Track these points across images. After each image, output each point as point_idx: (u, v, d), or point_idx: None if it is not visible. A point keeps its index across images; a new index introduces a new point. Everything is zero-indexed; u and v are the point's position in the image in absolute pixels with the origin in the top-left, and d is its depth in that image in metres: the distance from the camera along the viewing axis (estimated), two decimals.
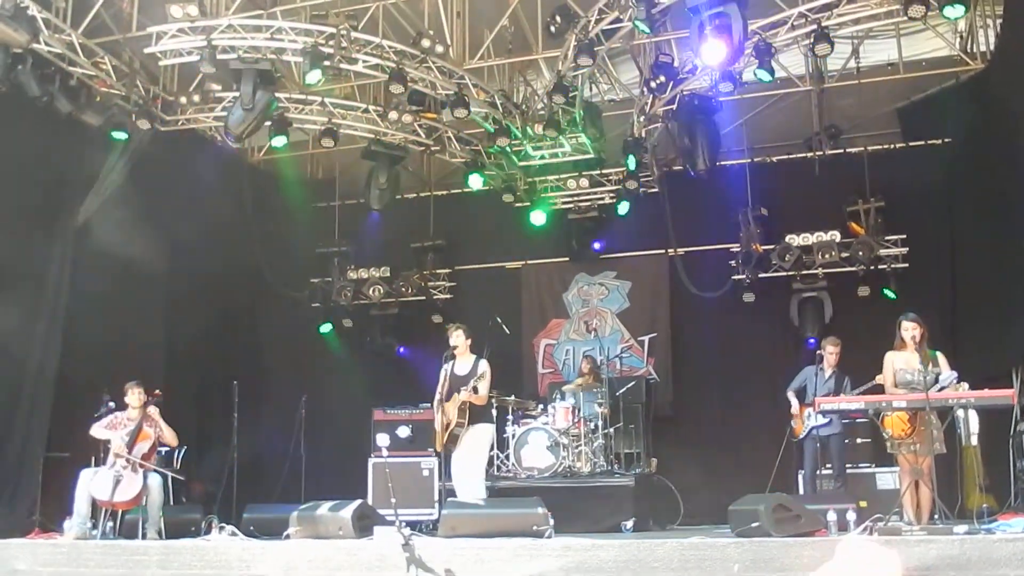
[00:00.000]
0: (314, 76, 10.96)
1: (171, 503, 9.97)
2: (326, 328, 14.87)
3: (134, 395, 9.27)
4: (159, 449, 9.49)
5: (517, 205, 14.38)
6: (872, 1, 10.33)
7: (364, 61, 11.34)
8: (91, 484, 8.84)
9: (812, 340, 12.51)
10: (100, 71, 11.39)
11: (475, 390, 8.84)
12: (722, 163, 12.95)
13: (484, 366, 9.00)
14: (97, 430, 9.25)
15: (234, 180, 13.52)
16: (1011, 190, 10.48)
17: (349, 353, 14.86)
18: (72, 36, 10.88)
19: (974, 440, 9.45)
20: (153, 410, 9.31)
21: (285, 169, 14.88)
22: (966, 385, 7.79)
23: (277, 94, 11.88)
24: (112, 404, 9.81)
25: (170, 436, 9.42)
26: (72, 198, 11.57)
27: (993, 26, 11.53)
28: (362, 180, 13.60)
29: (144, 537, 8.84)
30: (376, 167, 13.22)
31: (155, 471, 9.23)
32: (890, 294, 12.77)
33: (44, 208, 11.25)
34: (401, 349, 14.90)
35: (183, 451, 10.14)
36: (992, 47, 11.59)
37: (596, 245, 14.51)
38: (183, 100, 12.53)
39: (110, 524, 8.97)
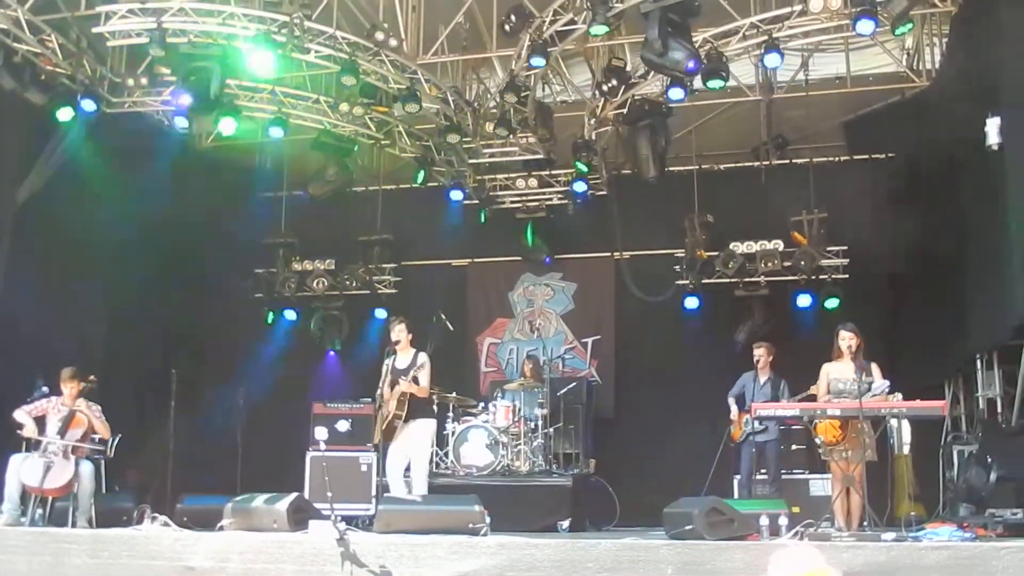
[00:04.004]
0: (265, 63, 10.86)
1: (104, 491, 9.83)
2: (270, 319, 14.77)
3: (67, 388, 9.12)
4: (92, 435, 9.33)
5: (465, 203, 14.35)
6: (822, 15, 10.47)
7: (316, 51, 11.25)
8: (21, 470, 8.68)
9: (739, 345, 12.70)
10: (46, 49, 11.17)
11: (416, 380, 8.85)
12: (670, 169, 13.04)
13: (424, 358, 9.07)
14: (19, 413, 9.07)
15: (180, 166, 13.31)
16: (950, 207, 10.70)
17: (290, 345, 14.74)
18: (18, 12, 10.65)
19: (906, 449, 9.68)
20: (81, 402, 9.16)
21: (233, 157, 14.71)
22: (899, 396, 7.95)
23: (227, 80, 11.74)
24: (46, 389, 9.65)
25: (102, 428, 9.29)
26: (12, 177, 11.34)
27: (939, 44, 11.74)
28: (310, 171, 13.50)
29: (74, 525, 8.71)
30: (325, 159, 13.12)
31: (87, 459, 9.10)
32: (833, 303, 12.94)
33: None
34: (331, 353, 14.83)
35: (118, 439, 9.97)
36: (937, 65, 11.81)
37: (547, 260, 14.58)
38: (131, 82, 12.31)
39: (40, 511, 8.82)
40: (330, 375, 14.62)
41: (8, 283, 10.97)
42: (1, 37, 10.67)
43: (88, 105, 11.50)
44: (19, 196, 11.32)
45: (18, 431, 9.00)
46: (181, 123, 12.05)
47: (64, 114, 11.36)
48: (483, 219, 14.47)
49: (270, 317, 14.79)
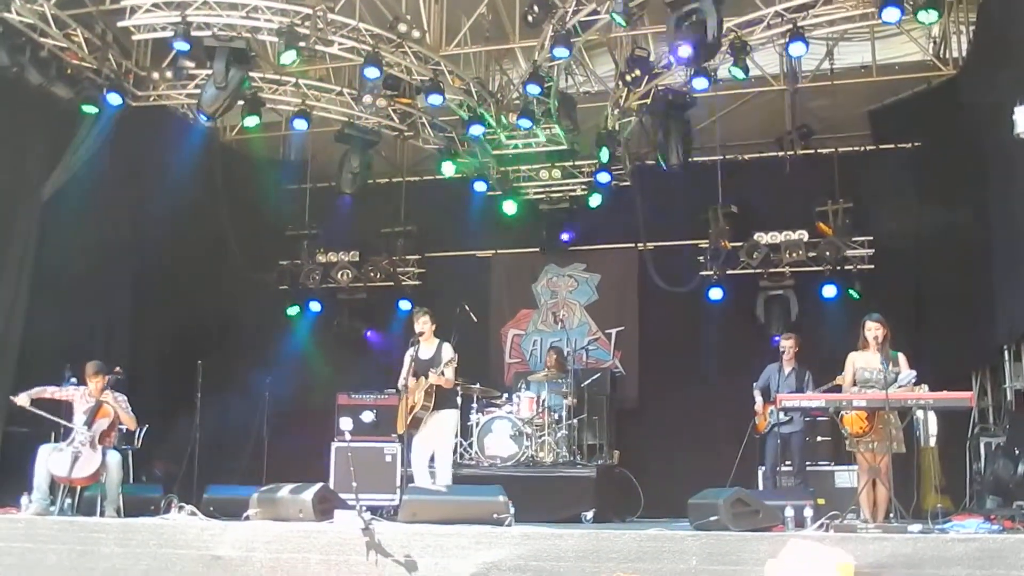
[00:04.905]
0: (289, 57, 10.88)
1: (131, 481, 9.93)
2: (293, 311, 14.84)
3: (92, 382, 9.19)
4: (119, 426, 9.42)
5: (489, 194, 14.35)
6: (848, 3, 10.40)
7: (340, 43, 11.27)
8: (49, 460, 8.77)
9: (776, 338, 12.61)
10: (72, 43, 11.24)
11: (443, 374, 8.89)
12: (694, 159, 12.98)
13: (450, 351, 9.09)
14: (38, 389, 9.17)
15: (205, 158, 13.39)
16: (977, 197, 10.61)
17: (315, 336, 14.81)
18: (44, 7, 10.73)
19: (932, 441, 9.61)
20: (108, 395, 9.23)
21: (257, 149, 14.78)
22: (926, 387, 7.89)
23: (251, 73, 11.79)
24: (74, 380, 9.75)
25: (128, 419, 9.36)
26: (39, 171, 11.44)
27: (966, 32, 11.64)
28: (334, 163, 13.54)
29: (102, 515, 8.81)
30: (349, 151, 13.16)
31: (114, 449, 9.19)
32: (855, 294, 12.89)
33: (10, 181, 11.10)
34: (368, 333, 14.86)
35: (144, 429, 10.07)
36: (964, 53, 11.70)
37: (564, 236, 14.45)
38: (156, 76, 12.41)
39: (68, 501, 8.92)
40: (376, 351, 14.60)
41: (35, 276, 11.07)
42: (28, 32, 10.75)
43: (114, 99, 11.57)
44: (46, 190, 11.43)
45: (11, 397, 9.12)
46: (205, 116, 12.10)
47: (90, 108, 11.46)
48: (516, 210, 14.37)
49: (294, 309, 14.85)
